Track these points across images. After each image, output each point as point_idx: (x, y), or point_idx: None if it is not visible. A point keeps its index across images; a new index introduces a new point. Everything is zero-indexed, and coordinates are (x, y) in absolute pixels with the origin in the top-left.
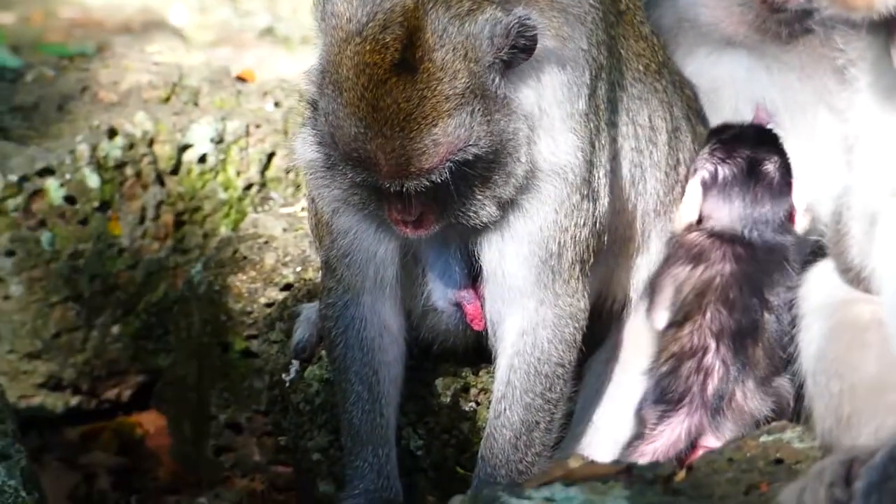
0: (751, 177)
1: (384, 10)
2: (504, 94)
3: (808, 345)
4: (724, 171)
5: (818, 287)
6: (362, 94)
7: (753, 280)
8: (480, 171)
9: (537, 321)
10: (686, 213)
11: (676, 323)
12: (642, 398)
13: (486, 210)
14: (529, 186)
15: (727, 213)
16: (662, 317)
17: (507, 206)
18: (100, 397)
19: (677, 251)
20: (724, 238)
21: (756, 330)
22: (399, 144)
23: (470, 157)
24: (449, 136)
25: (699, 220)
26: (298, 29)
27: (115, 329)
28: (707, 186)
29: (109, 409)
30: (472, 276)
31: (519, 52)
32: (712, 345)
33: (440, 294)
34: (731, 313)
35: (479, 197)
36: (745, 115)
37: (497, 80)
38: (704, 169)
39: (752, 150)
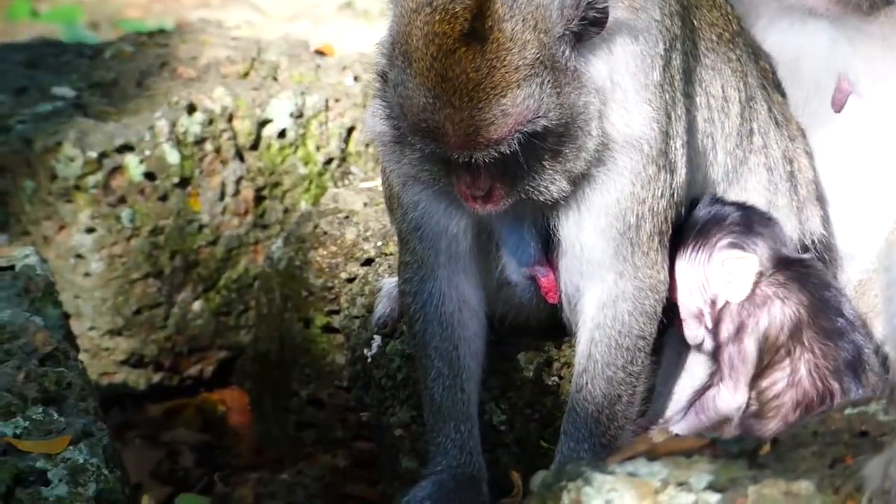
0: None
1: None
2: (574, 66)
3: (892, 316)
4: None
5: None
6: (431, 63)
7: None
8: (550, 144)
9: (617, 294)
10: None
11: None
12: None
13: (557, 185)
14: (604, 159)
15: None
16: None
17: (581, 180)
18: (182, 374)
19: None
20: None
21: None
22: (468, 115)
23: (539, 130)
24: (518, 106)
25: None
26: (377, 2)
27: (196, 305)
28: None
29: (191, 386)
30: (546, 250)
31: (590, 25)
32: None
33: (514, 268)
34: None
35: (550, 171)
36: (826, 87)
37: (567, 52)
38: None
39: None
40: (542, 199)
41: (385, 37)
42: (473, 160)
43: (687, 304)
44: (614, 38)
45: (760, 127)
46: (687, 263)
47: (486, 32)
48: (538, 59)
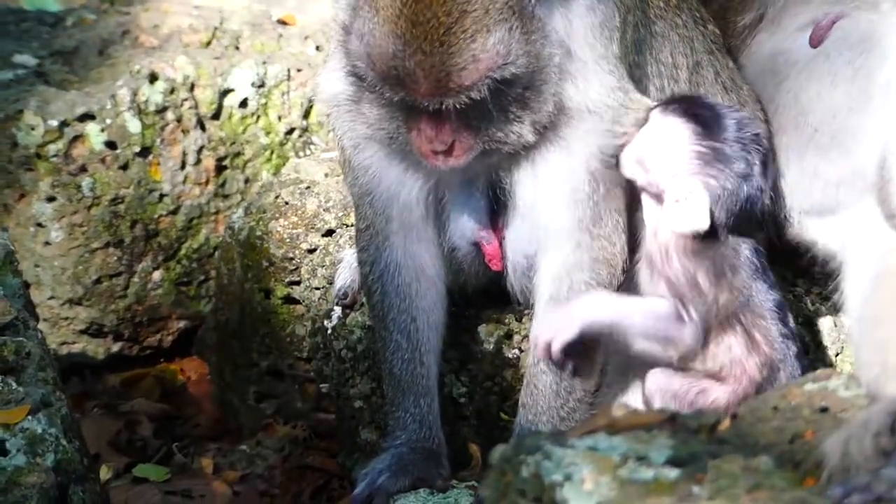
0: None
1: None
2: (539, 16)
3: (852, 292)
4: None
5: (861, 234)
6: (401, 10)
7: None
8: (516, 93)
9: (573, 264)
10: (699, 221)
11: None
12: None
13: (522, 133)
14: (566, 124)
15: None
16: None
17: (542, 145)
18: (141, 344)
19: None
20: None
21: None
22: (438, 59)
23: (508, 76)
24: (488, 51)
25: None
26: None
27: (157, 275)
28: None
29: (151, 356)
30: (492, 217)
31: None
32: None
33: (459, 233)
34: None
35: (515, 121)
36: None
37: (533, 1)
38: (706, 175)
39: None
40: (504, 149)
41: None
42: (443, 107)
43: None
44: (572, 6)
45: (708, 91)
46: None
47: None
48: (507, 3)
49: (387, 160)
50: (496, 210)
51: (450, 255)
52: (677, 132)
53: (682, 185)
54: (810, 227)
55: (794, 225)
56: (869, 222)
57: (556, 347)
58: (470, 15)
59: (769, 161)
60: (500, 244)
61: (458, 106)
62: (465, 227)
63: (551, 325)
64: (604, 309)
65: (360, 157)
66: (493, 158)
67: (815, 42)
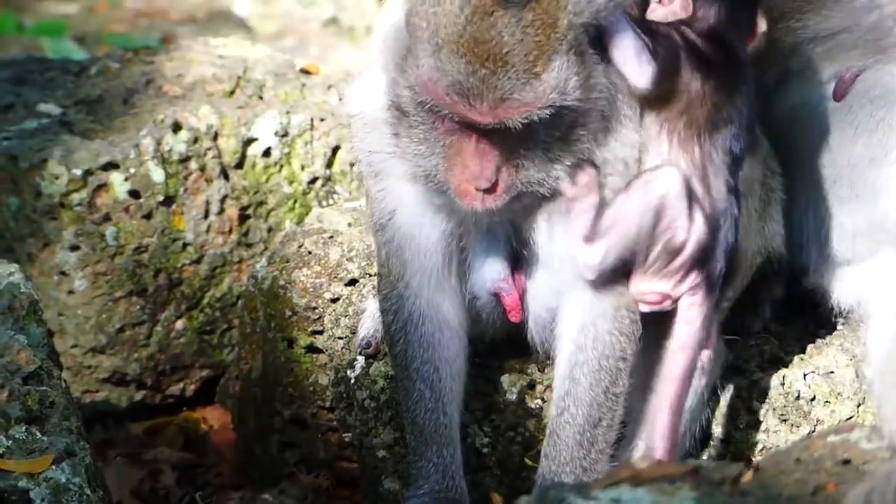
0: None
1: None
2: (593, 60)
3: (875, 344)
4: None
5: (882, 286)
6: (465, 27)
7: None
8: (563, 130)
9: (597, 313)
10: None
11: None
12: None
13: (560, 175)
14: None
15: (714, 9)
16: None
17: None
18: (164, 392)
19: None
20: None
21: None
22: (500, 77)
23: (564, 105)
24: (550, 74)
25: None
26: (362, 19)
27: (180, 324)
28: None
29: (174, 405)
30: (512, 268)
31: (608, 18)
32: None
33: (480, 283)
34: None
35: (556, 160)
36: None
37: (587, 43)
38: None
39: None
40: (540, 191)
41: (391, 15)
42: (501, 125)
43: None
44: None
45: None
46: None
47: (525, 1)
48: (567, 36)
49: (412, 206)
50: (518, 259)
51: (471, 303)
52: None
53: None
54: (829, 276)
55: (812, 274)
56: (889, 274)
57: None
58: (533, 39)
59: None
60: (521, 295)
61: (514, 129)
62: (485, 276)
63: None
64: None
65: (385, 199)
66: (521, 203)
67: (839, 96)
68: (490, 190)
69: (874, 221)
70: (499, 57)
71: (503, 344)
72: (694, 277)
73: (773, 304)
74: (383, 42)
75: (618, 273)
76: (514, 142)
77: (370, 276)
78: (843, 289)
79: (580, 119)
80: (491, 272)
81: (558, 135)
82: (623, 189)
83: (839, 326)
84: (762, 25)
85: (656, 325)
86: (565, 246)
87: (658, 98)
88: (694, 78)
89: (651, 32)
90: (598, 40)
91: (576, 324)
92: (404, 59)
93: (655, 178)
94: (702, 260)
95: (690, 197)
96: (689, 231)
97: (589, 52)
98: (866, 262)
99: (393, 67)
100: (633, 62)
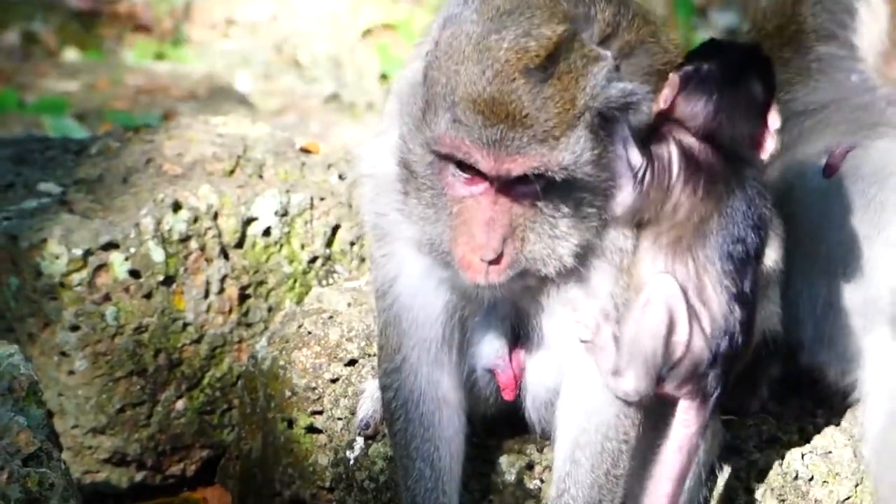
0: (734, 84)
1: (531, 24)
2: (605, 144)
3: (871, 423)
4: (707, 68)
5: (880, 365)
6: (485, 87)
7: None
8: (572, 204)
9: (603, 399)
10: (661, 99)
11: None
12: None
13: (563, 254)
14: (590, 258)
15: (702, 107)
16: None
17: (567, 279)
18: (165, 473)
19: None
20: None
21: None
22: (517, 133)
23: (576, 174)
24: (567, 141)
25: (671, 110)
26: (363, 95)
27: (180, 404)
28: (688, 79)
29: (175, 485)
30: (513, 344)
31: (617, 111)
32: None
33: (476, 357)
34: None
35: (562, 238)
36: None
37: (600, 126)
38: (692, 66)
39: (741, 61)
40: (543, 271)
41: (408, 79)
42: (510, 177)
43: None
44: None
45: None
46: None
47: (547, 75)
48: (584, 115)
49: (410, 263)
50: (517, 337)
51: (467, 378)
52: None
53: None
54: (825, 354)
55: (808, 351)
56: (883, 352)
57: None
58: (553, 110)
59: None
60: (516, 374)
61: (523, 194)
62: (483, 352)
63: None
64: None
65: (383, 251)
66: (525, 283)
67: (830, 173)
68: (495, 261)
69: (868, 299)
70: (518, 118)
71: (500, 422)
72: (692, 383)
73: (771, 383)
74: (398, 99)
75: None
76: (522, 214)
77: (370, 356)
78: (839, 366)
79: (588, 198)
80: (488, 348)
81: (565, 211)
82: (628, 315)
83: (837, 405)
84: (775, 122)
85: (660, 406)
86: (569, 331)
87: (648, 210)
88: (684, 192)
89: (648, 137)
90: (608, 130)
91: (579, 406)
92: (421, 112)
93: (654, 292)
94: (700, 368)
95: (688, 307)
96: (687, 346)
97: (602, 135)
98: (861, 339)
99: (407, 122)
100: (617, 185)
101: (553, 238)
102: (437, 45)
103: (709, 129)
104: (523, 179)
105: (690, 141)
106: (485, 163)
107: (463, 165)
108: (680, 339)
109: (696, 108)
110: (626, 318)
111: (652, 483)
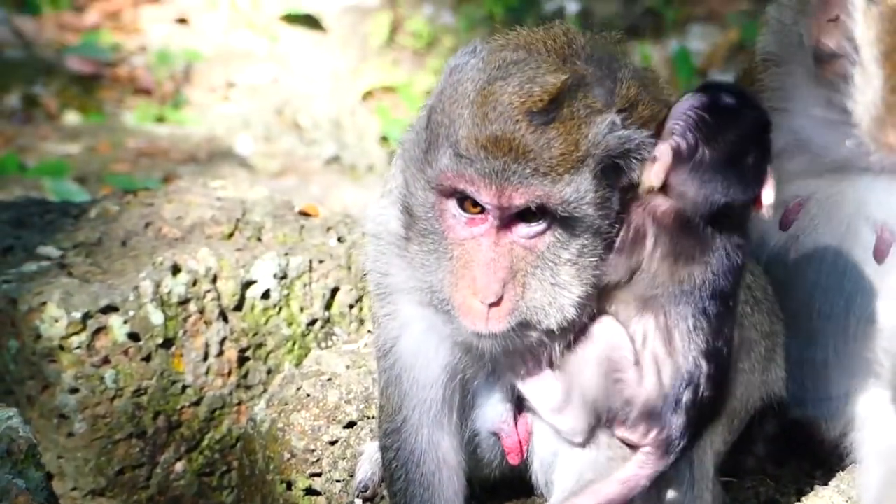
0: (730, 162)
1: (536, 73)
2: (606, 192)
3: (867, 489)
4: (703, 151)
5: (877, 431)
6: (489, 126)
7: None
8: (575, 249)
9: (594, 459)
10: (653, 176)
11: None
12: None
13: (564, 305)
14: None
15: (694, 190)
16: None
17: (566, 338)
18: None
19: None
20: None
21: None
22: (520, 165)
23: (578, 214)
24: (570, 178)
25: (663, 188)
26: (363, 158)
27: (179, 466)
28: (680, 157)
29: None
30: (520, 408)
31: (616, 159)
32: None
33: (479, 421)
34: None
35: (563, 287)
36: (864, 234)
37: (601, 173)
38: (683, 138)
39: (740, 135)
40: (543, 324)
41: (413, 127)
42: (512, 208)
43: None
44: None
45: None
46: None
47: (550, 118)
48: (586, 159)
49: (412, 322)
50: (522, 400)
51: (471, 441)
52: None
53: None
54: (820, 411)
55: (804, 408)
56: (876, 411)
57: None
58: (557, 151)
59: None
60: (521, 439)
61: (524, 227)
62: (487, 415)
63: None
64: None
65: (385, 310)
66: (524, 337)
67: (786, 225)
68: (495, 304)
69: (862, 359)
70: (521, 152)
71: (504, 485)
72: (648, 431)
73: (767, 441)
74: (402, 152)
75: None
76: (523, 258)
77: (368, 418)
78: (836, 426)
79: (591, 244)
80: (493, 412)
81: (567, 258)
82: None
83: (835, 466)
84: (769, 197)
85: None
86: None
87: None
88: (663, 263)
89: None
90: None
91: (574, 470)
92: (423, 153)
93: (595, 331)
94: (657, 416)
95: (650, 353)
96: (639, 386)
97: (604, 183)
98: (855, 396)
99: (410, 167)
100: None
101: (554, 286)
102: (441, 91)
103: (696, 207)
104: (525, 216)
105: (669, 210)
106: (487, 193)
107: (464, 204)
108: (626, 379)
109: (687, 190)
110: (568, 357)
111: (578, 492)
